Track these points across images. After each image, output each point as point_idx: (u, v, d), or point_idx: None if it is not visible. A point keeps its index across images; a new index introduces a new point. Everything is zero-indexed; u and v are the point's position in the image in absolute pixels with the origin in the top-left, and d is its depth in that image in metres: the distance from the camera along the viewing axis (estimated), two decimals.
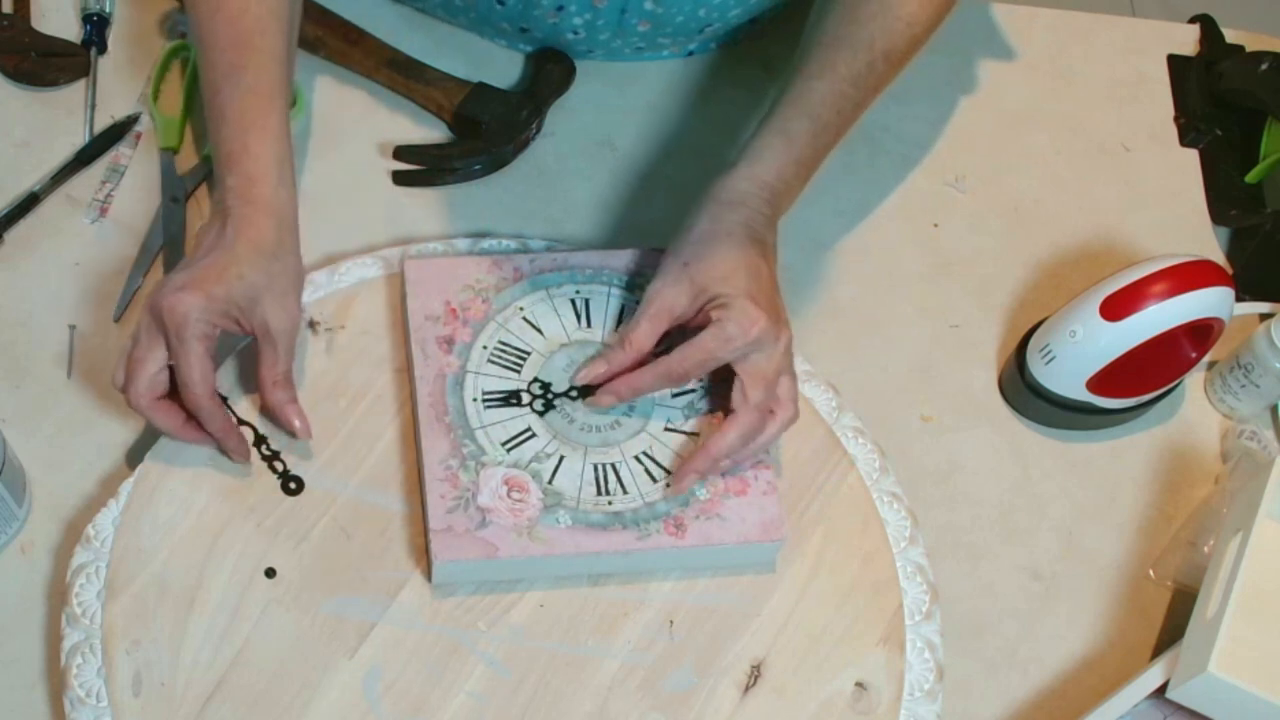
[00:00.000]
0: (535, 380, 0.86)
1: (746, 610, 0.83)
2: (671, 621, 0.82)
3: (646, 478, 0.84)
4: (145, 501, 0.81)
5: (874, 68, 0.88)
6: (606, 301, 0.89)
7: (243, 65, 0.82)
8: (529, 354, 0.87)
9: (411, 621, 0.80)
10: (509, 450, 0.83)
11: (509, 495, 0.81)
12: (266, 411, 0.83)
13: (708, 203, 0.85)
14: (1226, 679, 0.76)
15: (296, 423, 0.82)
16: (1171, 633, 0.88)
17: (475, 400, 0.84)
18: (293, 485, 0.82)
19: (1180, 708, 0.81)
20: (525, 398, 0.85)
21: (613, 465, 0.84)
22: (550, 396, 0.85)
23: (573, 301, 0.89)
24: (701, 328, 0.82)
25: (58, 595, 0.79)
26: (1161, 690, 0.80)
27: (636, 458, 0.84)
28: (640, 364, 0.84)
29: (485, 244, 0.93)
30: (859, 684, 0.82)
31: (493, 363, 0.86)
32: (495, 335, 0.87)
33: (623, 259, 0.91)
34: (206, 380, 0.78)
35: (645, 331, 0.83)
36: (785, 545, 0.84)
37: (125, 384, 0.79)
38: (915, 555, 0.86)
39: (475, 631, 0.80)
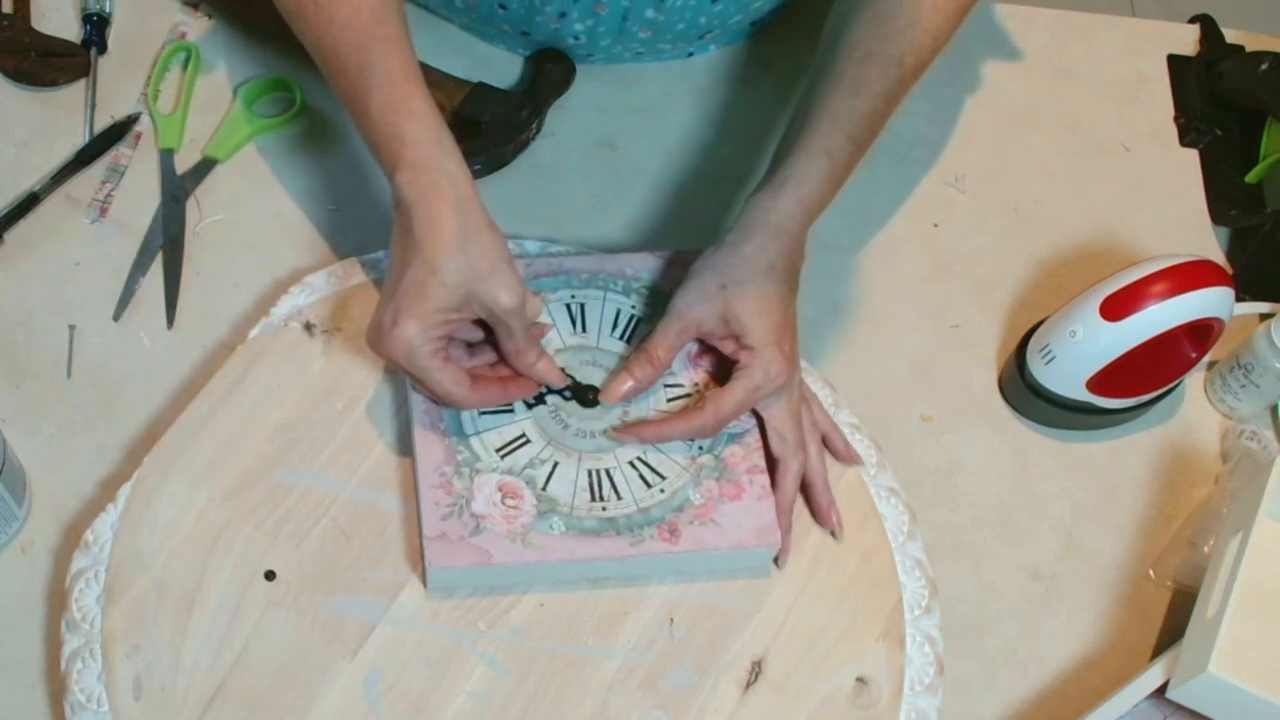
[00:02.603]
0: None
1: (746, 608, 0.83)
2: (671, 620, 0.82)
3: (641, 483, 0.83)
4: (143, 505, 0.80)
5: (903, 82, 0.88)
6: (602, 306, 0.89)
7: (372, 61, 0.81)
8: None
9: (412, 622, 0.80)
10: (503, 457, 0.83)
11: (503, 502, 0.81)
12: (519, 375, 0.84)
13: (756, 225, 0.84)
14: (1226, 679, 0.76)
15: (551, 377, 0.83)
16: (1171, 633, 0.88)
17: None
18: (590, 395, 0.85)
19: (1180, 708, 0.81)
20: None
21: (607, 471, 0.84)
22: (545, 391, 0.85)
23: (568, 306, 0.89)
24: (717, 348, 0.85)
25: (57, 598, 0.79)
26: (1161, 690, 0.80)
27: (631, 463, 0.84)
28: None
29: None
30: (859, 679, 0.82)
31: None
32: None
33: (618, 263, 0.91)
34: (462, 384, 0.79)
35: (671, 347, 0.84)
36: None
37: (459, 405, 0.81)
38: (914, 550, 0.86)
39: (475, 632, 0.80)
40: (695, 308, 0.83)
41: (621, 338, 0.88)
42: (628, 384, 0.84)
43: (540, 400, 0.85)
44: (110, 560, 0.79)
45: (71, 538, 0.81)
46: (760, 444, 0.85)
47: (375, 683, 0.78)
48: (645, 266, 0.91)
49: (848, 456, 0.88)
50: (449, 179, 0.78)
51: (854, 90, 0.86)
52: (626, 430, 0.84)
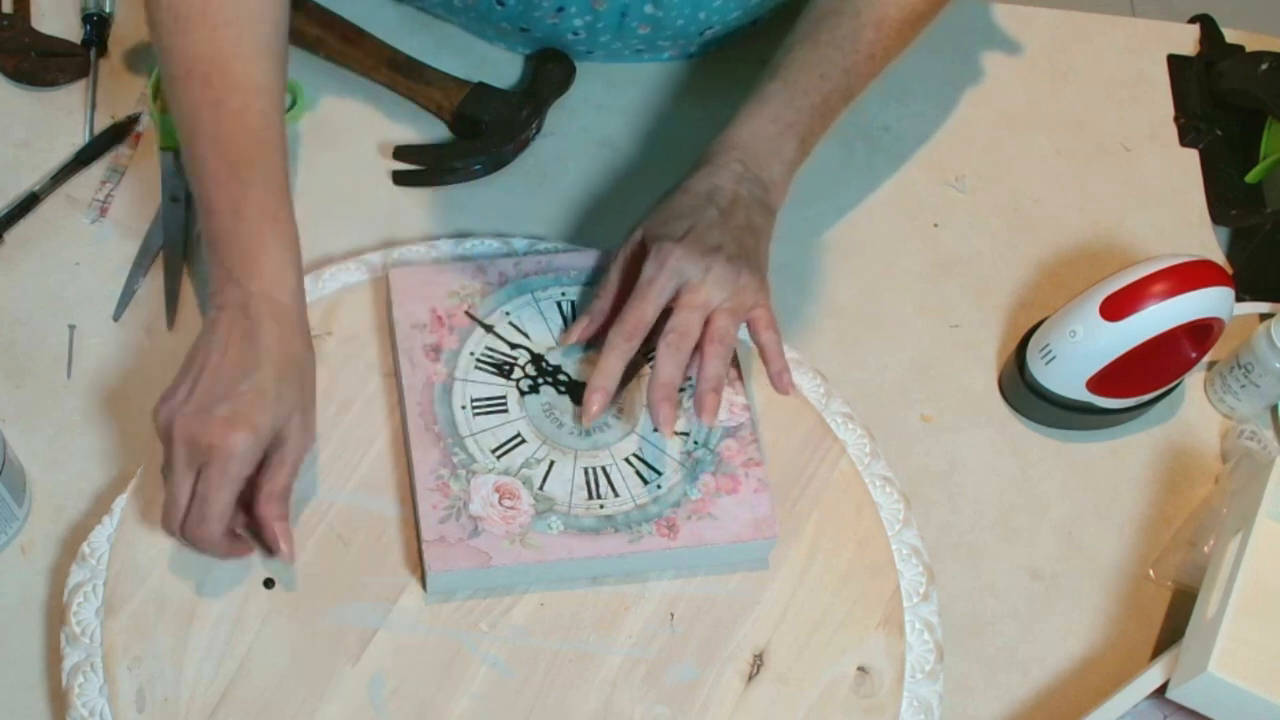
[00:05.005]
0: (535, 358, 0.86)
1: (746, 599, 0.83)
2: (672, 614, 0.82)
3: (637, 479, 0.84)
4: (140, 516, 0.80)
5: (861, 33, 0.89)
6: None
7: (252, 160, 0.79)
8: (517, 359, 0.87)
9: (413, 626, 0.80)
10: (499, 457, 0.83)
11: (500, 503, 0.81)
12: (257, 516, 0.77)
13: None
14: (1226, 679, 0.76)
15: (283, 545, 0.76)
16: (1171, 633, 0.88)
17: (464, 408, 0.84)
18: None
19: (1180, 708, 0.81)
20: (517, 373, 0.86)
21: (603, 468, 0.84)
22: (539, 379, 0.85)
23: (559, 304, 0.89)
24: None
25: (56, 602, 0.79)
26: (1161, 690, 0.80)
27: (627, 460, 0.84)
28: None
29: (468, 244, 0.93)
30: (860, 668, 0.82)
31: (480, 369, 0.86)
32: (482, 342, 0.87)
33: (606, 259, 0.91)
34: (226, 517, 0.74)
35: (614, 278, 0.85)
36: (780, 534, 0.84)
37: (190, 527, 0.74)
38: (910, 537, 0.86)
39: (477, 633, 0.80)
40: (625, 243, 0.85)
41: None
42: (584, 322, 0.85)
43: (534, 389, 0.85)
44: (108, 573, 0.78)
45: (72, 540, 0.81)
46: (755, 437, 0.86)
47: (379, 688, 0.78)
48: None
49: (779, 383, 0.83)
50: (299, 306, 0.78)
51: (798, 43, 0.90)
52: (588, 396, 0.81)
